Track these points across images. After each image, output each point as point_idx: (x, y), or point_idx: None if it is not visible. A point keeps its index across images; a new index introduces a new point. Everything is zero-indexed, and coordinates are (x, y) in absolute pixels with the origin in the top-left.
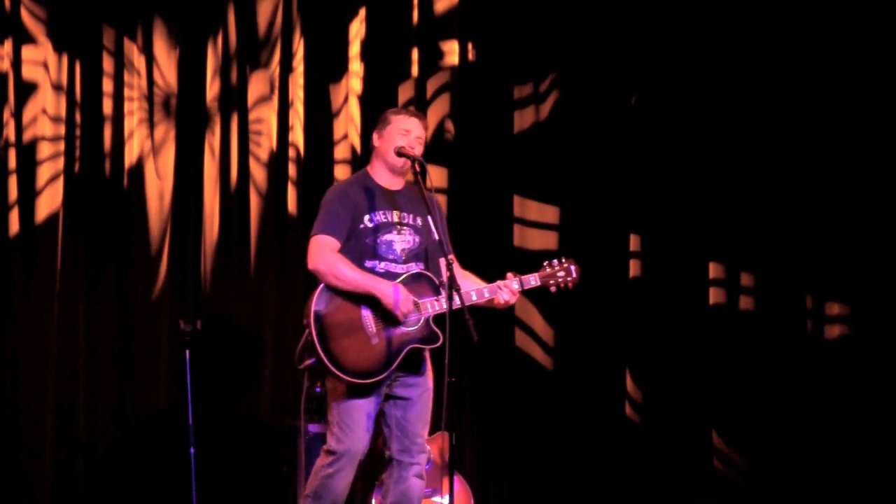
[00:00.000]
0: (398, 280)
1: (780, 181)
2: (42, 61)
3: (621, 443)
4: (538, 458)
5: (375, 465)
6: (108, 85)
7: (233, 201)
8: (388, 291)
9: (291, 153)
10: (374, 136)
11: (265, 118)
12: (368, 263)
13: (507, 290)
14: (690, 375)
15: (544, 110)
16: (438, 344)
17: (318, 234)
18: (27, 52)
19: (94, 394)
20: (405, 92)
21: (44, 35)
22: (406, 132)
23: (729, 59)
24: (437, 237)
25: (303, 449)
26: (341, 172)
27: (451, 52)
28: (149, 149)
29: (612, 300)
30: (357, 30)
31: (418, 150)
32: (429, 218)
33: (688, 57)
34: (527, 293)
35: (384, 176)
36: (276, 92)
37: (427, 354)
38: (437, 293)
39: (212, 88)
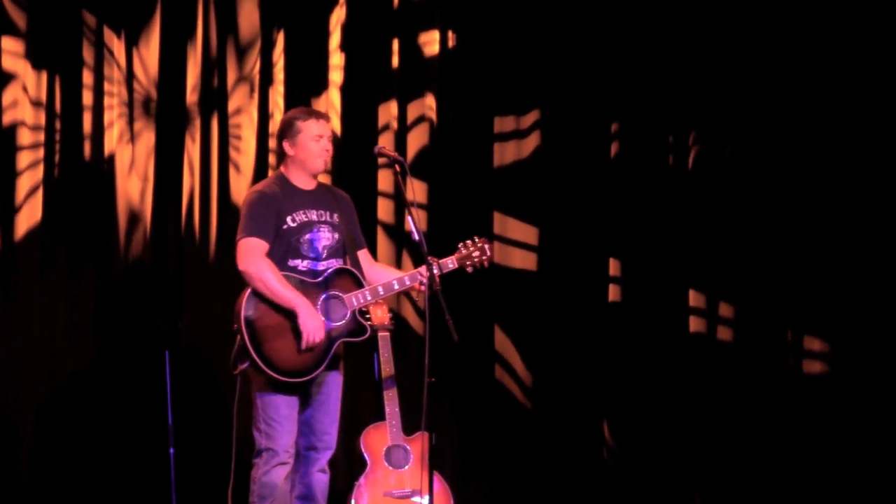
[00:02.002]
0: (321, 277)
1: (763, 213)
2: (21, 52)
3: (597, 454)
4: (519, 460)
5: (355, 466)
6: (87, 77)
7: (213, 204)
8: (308, 317)
9: (272, 159)
10: (286, 144)
11: (244, 123)
12: (292, 262)
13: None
14: (668, 405)
15: (527, 145)
16: (366, 336)
17: (247, 237)
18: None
19: (73, 398)
20: (385, 113)
21: (24, 22)
22: (318, 137)
23: (709, 94)
24: (416, 238)
25: (234, 451)
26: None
27: (432, 41)
28: (128, 149)
29: (590, 323)
30: (338, 16)
31: (330, 150)
32: (409, 219)
33: (669, 92)
34: (506, 328)
35: (300, 178)
36: (257, 91)
37: (341, 350)
38: (360, 286)
39: (191, 83)
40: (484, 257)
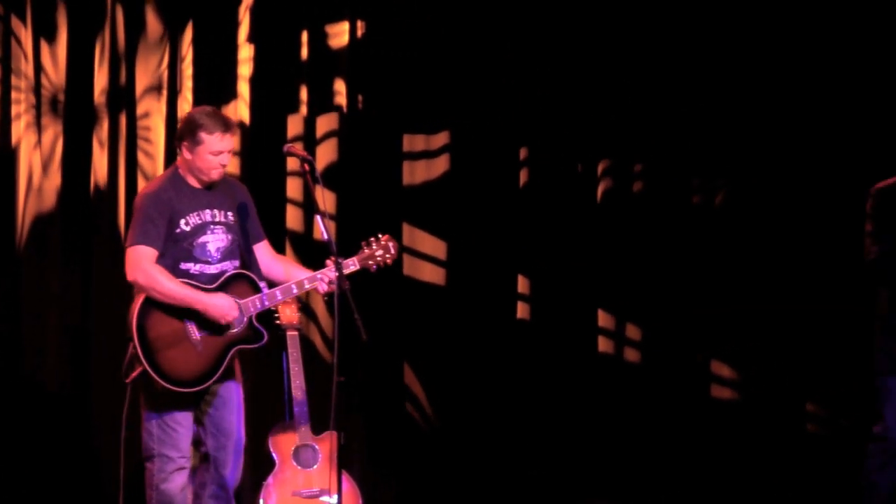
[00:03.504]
0: (216, 283)
1: (671, 237)
2: None
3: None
4: (427, 458)
5: (263, 465)
6: None
7: (121, 203)
8: (211, 303)
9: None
10: (184, 146)
11: (154, 126)
12: (184, 266)
13: (328, 278)
14: (574, 423)
15: (437, 166)
16: (263, 342)
17: (135, 245)
18: None
19: None
20: (294, 125)
21: None
22: (218, 153)
23: (620, 122)
24: (325, 238)
25: (122, 458)
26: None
27: (341, 32)
28: (37, 152)
29: (498, 339)
30: (246, 4)
31: (226, 162)
32: (318, 218)
33: (580, 119)
34: (414, 354)
35: (196, 178)
36: (166, 89)
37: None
38: (258, 291)
39: (99, 78)
40: (388, 255)
